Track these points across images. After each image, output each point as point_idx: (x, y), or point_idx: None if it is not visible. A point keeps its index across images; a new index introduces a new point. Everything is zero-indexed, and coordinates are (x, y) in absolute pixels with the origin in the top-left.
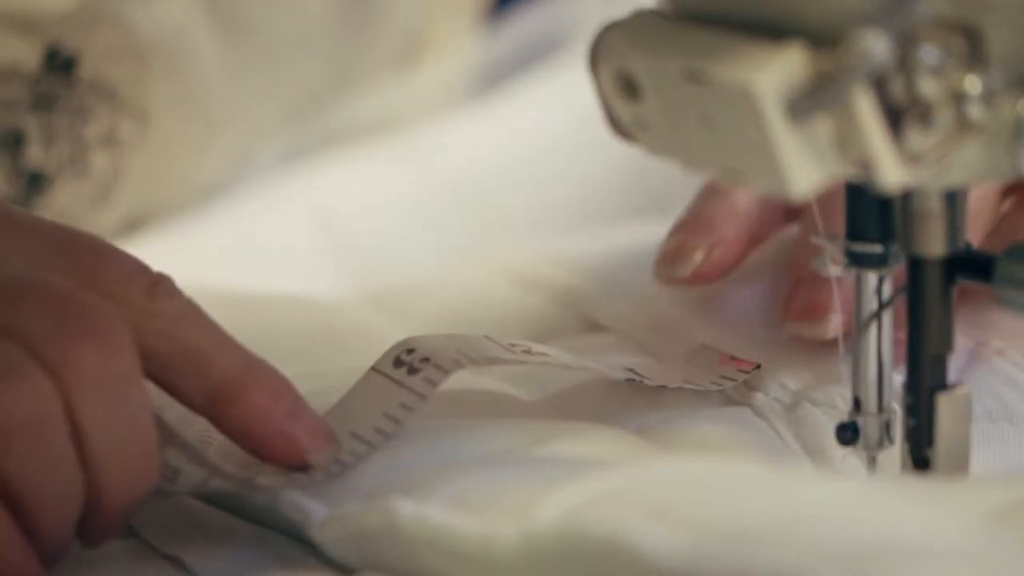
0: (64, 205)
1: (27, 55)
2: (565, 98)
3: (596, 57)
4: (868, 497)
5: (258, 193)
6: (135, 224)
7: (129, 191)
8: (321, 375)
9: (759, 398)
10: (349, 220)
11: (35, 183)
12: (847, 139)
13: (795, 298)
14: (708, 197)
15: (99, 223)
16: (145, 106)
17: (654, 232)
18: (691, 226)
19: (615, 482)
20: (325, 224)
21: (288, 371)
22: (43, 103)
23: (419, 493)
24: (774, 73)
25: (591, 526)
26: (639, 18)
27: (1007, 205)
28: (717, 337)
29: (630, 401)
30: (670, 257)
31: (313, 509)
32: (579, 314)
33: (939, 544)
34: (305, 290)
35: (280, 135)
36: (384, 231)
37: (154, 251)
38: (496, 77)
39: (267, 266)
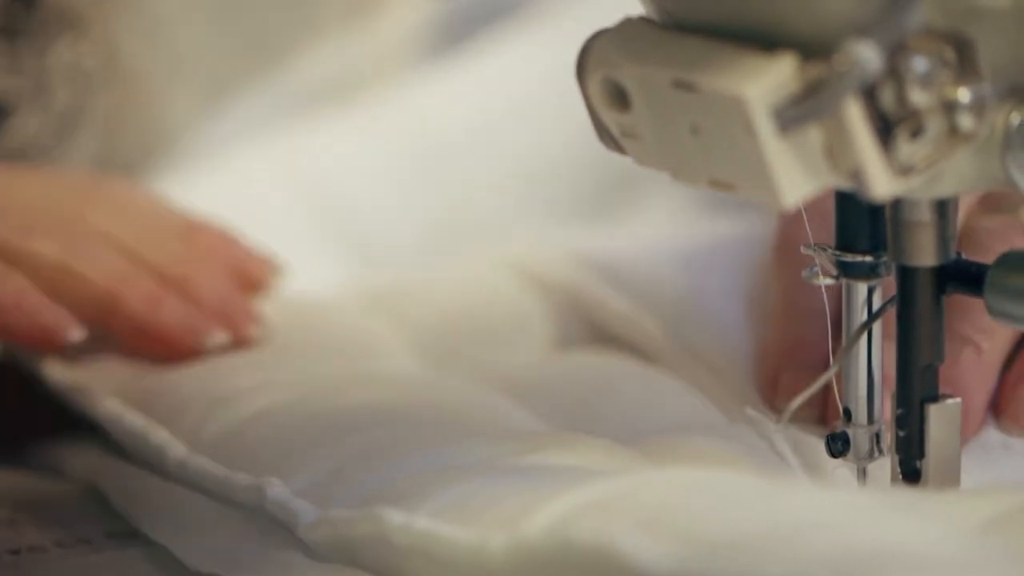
0: (28, 137)
1: None
2: (535, 58)
3: (584, 65)
4: (858, 507)
5: (229, 151)
6: (105, 166)
7: (95, 127)
8: (309, 381)
9: (755, 414)
10: (323, 180)
11: None
12: (838, 149)
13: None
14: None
15: (65, 159)
16: (110, 38)
17: (670, 230)
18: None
19: (605, 491)
20: (299, 184)
21: (278, 376)
22: (6, 31)
23: (408, 502)
24: (765, 83)
25: (580, 535)
26: (628, 26)
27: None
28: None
29: (624, 411)
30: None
31: (301, 510)
32: (586, 323)
33: (930, 553)
34: (278, 249)
35: (245, 86)
36: (359, 192)
37: None
38: (457, 33)
39: (241, 225)
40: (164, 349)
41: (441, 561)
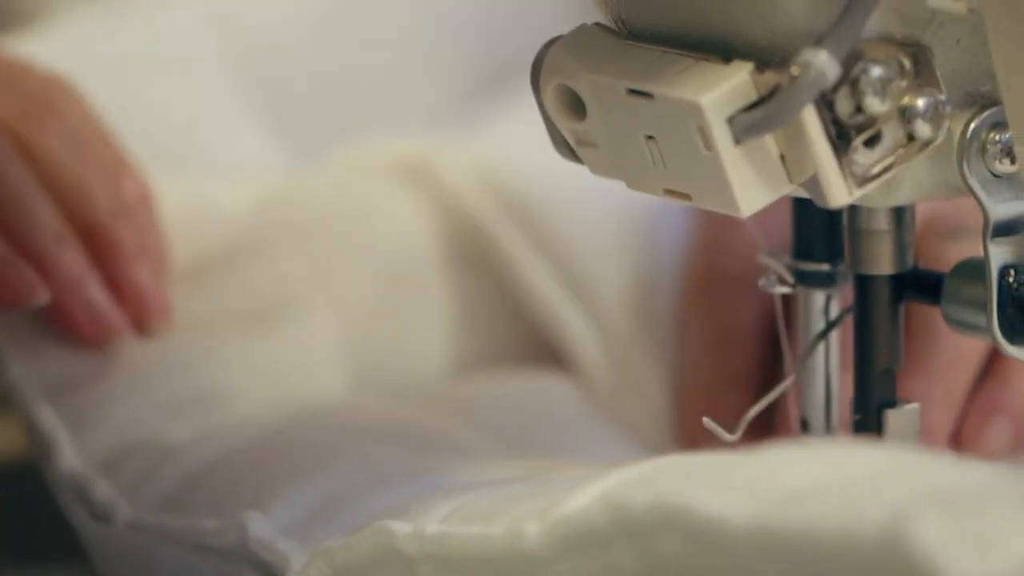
0: None
1: None
2: None
3: (538, 73)
4: (918, 458)
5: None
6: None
7: None
8: (247, 425)
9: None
10: (249, 29)
11: None
12: (794, 158)
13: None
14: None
15: None
16: None
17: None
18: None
19: (643, 469)
20: (226, 33)
21: (213, 419)
22: None
23: (412, 516)
24: (721, 92)
25: (633, 498)
26: (582, 34)
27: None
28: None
29: (590, 439)
30: None
31: (292, 551)
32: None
33: (1009, 492)
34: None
35: None
36: (282, 42)
37: (48, 50)
38: None
39: (165, 71)
40: (68, 330)
41: (458, 564)
